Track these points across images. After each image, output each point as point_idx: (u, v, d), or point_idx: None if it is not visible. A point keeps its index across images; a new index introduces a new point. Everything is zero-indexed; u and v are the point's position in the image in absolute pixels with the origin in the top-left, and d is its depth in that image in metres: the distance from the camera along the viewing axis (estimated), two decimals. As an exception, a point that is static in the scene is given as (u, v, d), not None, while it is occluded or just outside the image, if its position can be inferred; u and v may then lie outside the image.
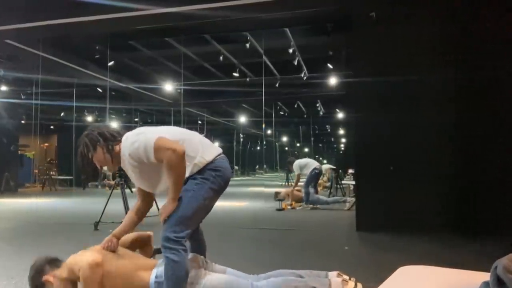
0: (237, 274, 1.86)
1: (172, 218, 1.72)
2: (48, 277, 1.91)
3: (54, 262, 1.96)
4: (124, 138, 1.86)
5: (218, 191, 1.84)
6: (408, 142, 4.30)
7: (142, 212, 2.07)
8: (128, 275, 1.88)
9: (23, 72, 7.84)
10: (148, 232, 2.22)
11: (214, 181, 1.79)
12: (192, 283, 1.72)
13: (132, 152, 1.76)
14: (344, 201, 6.45)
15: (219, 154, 1.88)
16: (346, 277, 1.86)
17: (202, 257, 1.94)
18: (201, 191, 1.76)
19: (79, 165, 1.89)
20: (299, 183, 7.05)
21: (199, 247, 2.03)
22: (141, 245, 2.18)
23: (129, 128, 2.01)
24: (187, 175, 1.79)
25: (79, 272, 1.77)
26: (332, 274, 1.86)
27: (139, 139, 1.76)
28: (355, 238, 4.15)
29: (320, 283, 1.79)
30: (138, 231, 2.25)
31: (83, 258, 1.80)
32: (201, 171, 1.80)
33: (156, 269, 1.84)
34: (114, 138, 1.87)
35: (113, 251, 1.96)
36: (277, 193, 7.50)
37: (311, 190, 6.53)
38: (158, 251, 2.16)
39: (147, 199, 2.06)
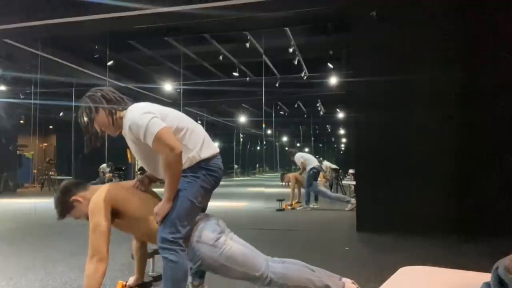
0: (254, 250, 1.85)
1: (167, 218, 1.71)
2: (77, 198, 1.92)
3: (82, 185, 1.98)
4: (130, 108, 1.81)
5: (209, 190, 1.83)
6: (409, 143, 4.26)
7: None
8: (150, 217, 1.86)
9: (22, 71, 7.80)
10: None
11: (204, 179, 1.78)
12: (214, 245, 1.71)
13: (133, 126, 1.72)
14: (348, 201, 6.42)
15: (216, 154, 1.86)
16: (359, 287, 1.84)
17: (224, 223, 1.92)
18: (193, 189, 1.75)
19: (81, 127, 1.84)
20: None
21: None
22: None
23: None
24: None
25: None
26: (347, 281, 1.83)
27: (144, 119, 1.70)
28: (355, 238, 4.13)
29: (334, 283, 1.77)
30: None
31: (96, 241, 1.78)
32: (193, 168, 1.77)
33: None
34: (118, 103, 1.82)
35: (144, 190, 1.96)
36: (283, 175, 7.47)
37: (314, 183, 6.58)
38: (156, 252, 2.13)
39: None
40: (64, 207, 1.94)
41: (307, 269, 1.80)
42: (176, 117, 1.84)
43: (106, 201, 1.83)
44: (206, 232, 1.74)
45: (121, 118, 1.80)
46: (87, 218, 1.94)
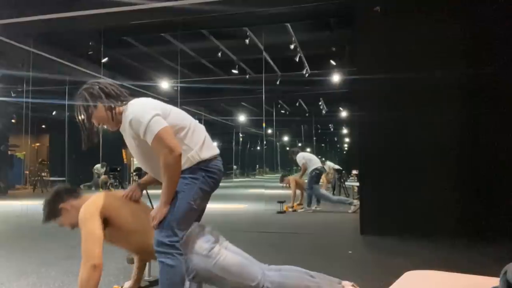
0: (249, 259, 1.82)
1: (163, 221, 1.70)
2: (66, 205, 1.95)
3: (73, 192, 2.01)
4: (132, 102, 1.77)
5: (208, 192, 1.82)
6: (415, 143, 4.19)
7: None
8: (142, 230, 1.88)
9: (13, 69, 7.72)
10: None
11: (204, 181, 1.77)
12: (207, 256, 1.68)
13: (134, 122, 1.69)
14: (350, 203, 6.31)
15: (216, 155, 1.85)
16: None
17: (218, 232, 1.89)
18: (191, 191, 1.74)
19: (78, 123, 1.79)
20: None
21: None
22: None
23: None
24: None
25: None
26: (346, 283, 1.79)
27: (147, 116, 1.67)
28: (359, 242, 4.07)
29: None
30: None
31: (89, 247, 1.78)
32: (192, 169, 1.76)
33: None
34: (117, 97, 1.78)
35: (136, 200, 1.99)
36: (283, 177, 7.35)
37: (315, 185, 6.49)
38: None
39: None
40: (51, 212, 1.96)
41: (306, 276, 1.77)
42: (178, 116, 1.83)
43: (97, 209, 1.85)
44: (200, 243, 1.70)
45: (120, 113, 1.77)
46: (72, 227, 1.97)
